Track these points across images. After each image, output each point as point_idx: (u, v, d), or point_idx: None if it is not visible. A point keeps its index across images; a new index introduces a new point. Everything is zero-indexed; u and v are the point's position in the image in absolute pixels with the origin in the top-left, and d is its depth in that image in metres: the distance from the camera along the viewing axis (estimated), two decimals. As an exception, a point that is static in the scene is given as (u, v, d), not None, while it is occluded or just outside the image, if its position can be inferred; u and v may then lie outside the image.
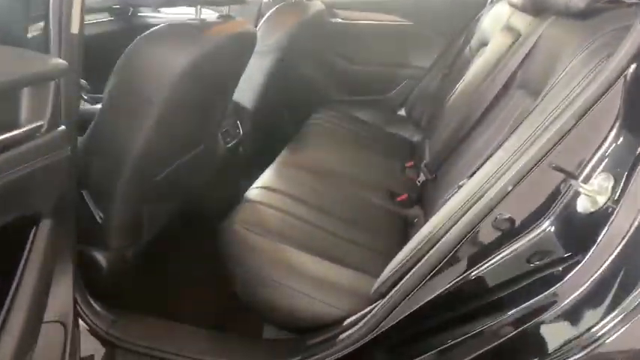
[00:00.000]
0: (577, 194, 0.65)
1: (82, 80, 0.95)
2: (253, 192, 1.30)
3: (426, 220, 1.32)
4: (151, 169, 1.14)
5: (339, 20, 2.30)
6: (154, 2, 1.16)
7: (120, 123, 1.02)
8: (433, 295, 0.75)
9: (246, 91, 1.80)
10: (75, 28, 0.84)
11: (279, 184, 1.36)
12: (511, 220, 0.70)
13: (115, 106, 1.01)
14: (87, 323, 1.02)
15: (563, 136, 0.66)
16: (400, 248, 1.27)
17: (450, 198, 0.93)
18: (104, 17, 2.14)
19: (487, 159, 1.05)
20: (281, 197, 1.29)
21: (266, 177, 1.41)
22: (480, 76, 1.39)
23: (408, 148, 1.96)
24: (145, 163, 1.07)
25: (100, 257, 1.14)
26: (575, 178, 0.65)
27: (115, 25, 2.14)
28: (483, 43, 1.75)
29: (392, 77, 2.36)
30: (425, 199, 1.42)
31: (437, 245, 0.77)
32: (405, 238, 1.33)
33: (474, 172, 0.92)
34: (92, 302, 1.05)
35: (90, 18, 2.07)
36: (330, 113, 2.04)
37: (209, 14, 1.29)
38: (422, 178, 1.44)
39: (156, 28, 1.00)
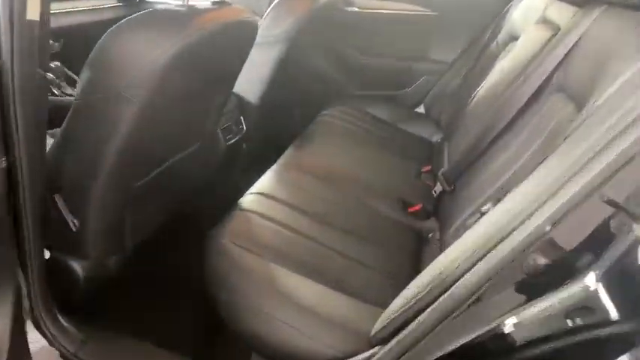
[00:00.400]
0: (638, 242, 0.50)
1: (49, 74, 0.83)
2: (248, 199, 1.17)
3: (442, 237, 1.18)
4: (133, 172, 1.02)
5: (355, 9, 2.14)
6: None
7: (93, 121, 0.90)
8: (443, 352, 0.61)
9: (251, 84, 1.67)
10: (33, 14, 0.71)
11: (277, 190, 1.22)
12: (547, 267, 0.56)
13: (87, 102, 0.89)
14: (52, 344, 0.91)
15: (625, 163, 0.51)
16: (411, 268, 1.13)
17: (469, 224, 0.78)
18: (111, 3, 2.04)
19: (516, 176, 0.90)
20: (278, 206, 1.16)
21: (264, 181, 1.28)
22: (508, 75, 1.23)
23: (426, 149, 1.80)
24: (124, 166, 0.95)
25: (77, 266, 1.03)
26: (638, 220, 0.50)
27: (123, 12, 2.03)
28: (513, 38, 1.58)
29: (410, 71, 2.19)
30: (441, 212, 1.27)
31: (452, 289, 0.63)
32: (417, 256, 1.19)
33: (501, 196, 0.77)
34: (60, 319, 0.95)
35: (95, 4, 1.97)
36: (341, 109, 1.89)
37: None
38: (438, 187, 1.29)
39: (135, 15, 0.87)
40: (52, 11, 1.61)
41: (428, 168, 1.57)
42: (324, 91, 2.18)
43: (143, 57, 0.85)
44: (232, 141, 1.63)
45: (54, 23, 1.58)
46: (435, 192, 1.30)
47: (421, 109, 2.20)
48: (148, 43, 0.85)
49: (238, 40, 1.12)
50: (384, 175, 1.49)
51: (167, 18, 0.90)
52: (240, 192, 1.23)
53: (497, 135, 1.09)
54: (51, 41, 1.55)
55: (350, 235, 1.14)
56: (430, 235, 1.23)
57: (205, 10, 0.97)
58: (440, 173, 1.27)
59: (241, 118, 1.69)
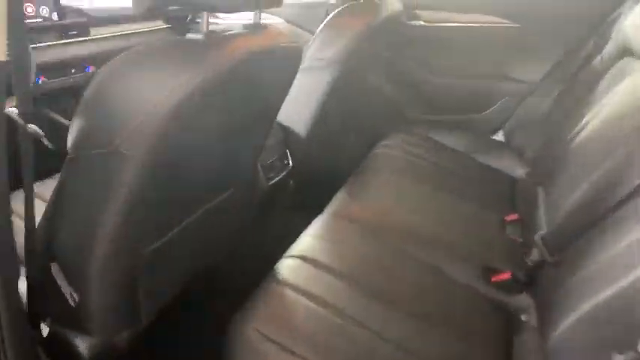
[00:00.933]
0: None
1: (32, 126, 0.66)
2: (285, 264, 0.95)
3: (543, 329, 0.85)
4: (143, 237, 0.84)
5: (421, 23, 1.87)
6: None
7: (86, 181, 0.72)
8: None
9: (299, 114, 1.47)
10: None
11: (322, 251, 0.99)
12: None
13: (79, 157, 0.71)
14: None
15: None
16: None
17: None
18: (158, 25, 1.95)
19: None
20: (322, 275, 0.92)
21: (307, 238, 1.05)
22: (634, 109, 0.90)
23: (508, 187, 1.48)
24: (128, 232, 0.77)
25: (80, 343, 0.86)
26: None
27: (171, 34, 1.93)
28: (626, 52, 1.23)
29: (488, 92, 1.87)
30: (541, 290, 0.95)
31: None
32: (504, 348, 0.89)
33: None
34: None
35: (143, 27, 1.88)
36: (403, 137, 1.62)
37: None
38: (535, 256, 0.97)
39: (136, 47, 0.69)
40: (100, 36, 1.49)
41: (514, 216, 1.26)
42: (385, 116, 1.92)
43: (146, 101, 0.65)
44: (276, 179, 1.43)
45: (103, 47, 1.49)
46: (531, 262, 0.98)
47: (499, 137, 1.87)
48: (152, 84, 0.66)
49: (275, 69, 0.91)
50: (457, 227, 1.20)
51: (178, 51, 0.70)
52: (284, 240, 1.03)
53: (624, 198, 0.77)
54: (94, 68, 1.45)
55: (412, 318, 0.87)
56: (524, 318, 0.92)
57: (229, 38, 0.76)
58: (538, 238, 0.95)
59: (287, 152, 1.49)
